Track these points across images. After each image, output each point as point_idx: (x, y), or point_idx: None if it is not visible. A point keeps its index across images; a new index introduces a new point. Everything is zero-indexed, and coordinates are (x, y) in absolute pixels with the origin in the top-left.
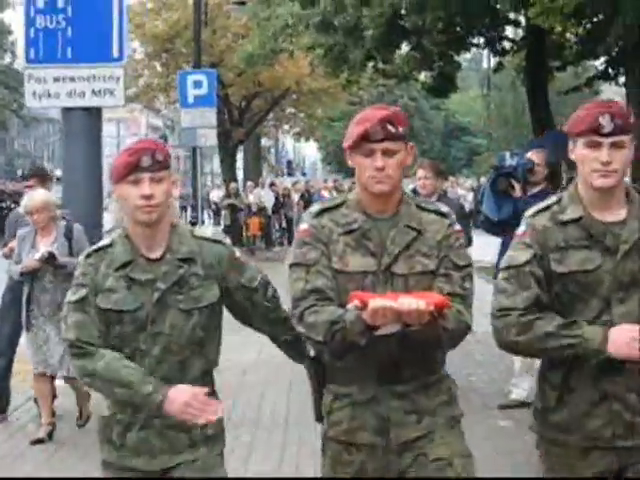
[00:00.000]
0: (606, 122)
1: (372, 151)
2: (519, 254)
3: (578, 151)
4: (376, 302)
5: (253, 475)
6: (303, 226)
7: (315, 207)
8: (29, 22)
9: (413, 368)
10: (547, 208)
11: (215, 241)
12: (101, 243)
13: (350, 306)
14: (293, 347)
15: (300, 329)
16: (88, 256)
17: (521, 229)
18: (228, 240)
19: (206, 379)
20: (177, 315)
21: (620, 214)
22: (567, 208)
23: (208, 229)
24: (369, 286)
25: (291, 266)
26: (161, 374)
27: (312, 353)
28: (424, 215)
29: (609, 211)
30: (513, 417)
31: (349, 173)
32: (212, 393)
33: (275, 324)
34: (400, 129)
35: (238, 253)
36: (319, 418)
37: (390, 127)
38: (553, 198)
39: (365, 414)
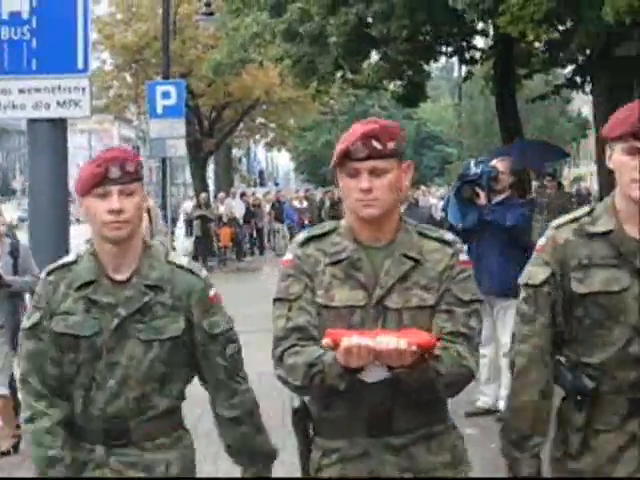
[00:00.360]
0: None
1: (357, 171)
2: (537, 271)
3: (616, 158)
4: (350, 340)
5: None
6: (287, 256)
7: (301, 235)
8: None
9: (408, 418)
10: (575, 219)
11: (190, 271)
12: (66, 259)
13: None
14: (229, 428)
15: (280, 373)
16: (50, 273)
17: (542, 241)
18: (204, 272)
19: (169, 417)
20: (136, 345)
21: None
22: (599, 219)
23: (185, 258)
24: (357, 322)
25: (274, 301)
26: (116, 410)
27: (296, 403)
28: (425, 243)
29: None
30: (479, 425)
31: (321, 183)
32: (177, 428)
33: (219, 389)
34: (390, 145)
35: (213, 292)
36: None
37: (375, 143)
38: (585, 208)
39: (356, 472)
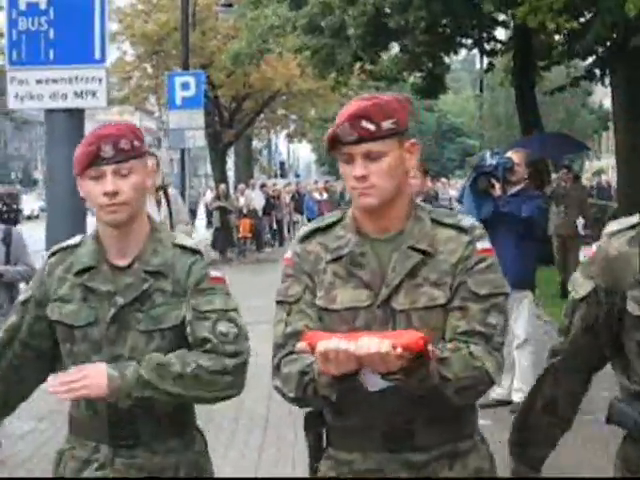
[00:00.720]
0: None
1: (351, 156)
2: (581, 284)
3: None
4: (327, 344)
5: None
6: (287, 254)
7: (305, 228)
8: (11, 24)
9: (432, 432)
10: (633, 226)
11: (193, 251)
12: (71, 241)
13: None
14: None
15: (277, 383)
16: (52, 254)
17: (593, 248)
18: (211, 254)
19: (181, 415)
20: (137, 337)
21: None
22: None
23: (192, 240)
24: (362, 326)
25: (276, 304)
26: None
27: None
28: (439, 232)
29: None
30: (492, 416)
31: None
32: (190, 428)
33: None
34: (385, 124)
35: (216, 273)
36: None
37: (366, 124)
38: None
39: None
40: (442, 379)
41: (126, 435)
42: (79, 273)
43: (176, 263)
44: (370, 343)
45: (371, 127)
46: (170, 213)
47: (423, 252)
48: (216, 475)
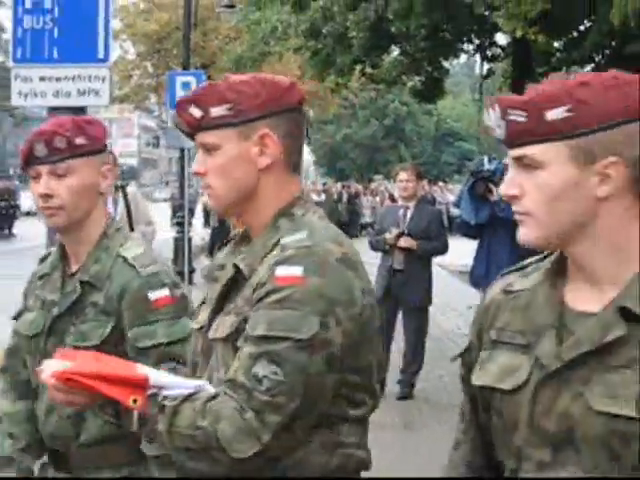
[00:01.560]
0: None
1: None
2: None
3: None
4: (47, 363)
5: None
6: None
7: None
8: (16, 22)
9: None
10: (523, 267)
11: (131, 265)
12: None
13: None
14: None
15: None
16: (42, 260)
17: None
18: (151, 269)
19: (114, 446)
20: None
21: (603, 299)
22: (538, 270)
23: (139, 248)
24: (199, 352)
25: None
26: (52, 428)
27: None
28: (280, 246)
29: (597, 287)
30: None
31: (341, 177)
32: (130, 463)
33: None
34: (216, 110)
35: (159, 295)
36: None
37: (193, 109)
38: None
39: None
40: (153, 431)
41: (60, 461)
42: (40, 280)
43: (114, 276)
44: (53, 365)
45: (197, 114)
46: (129, 213)
47: (239, 270)
48: None
